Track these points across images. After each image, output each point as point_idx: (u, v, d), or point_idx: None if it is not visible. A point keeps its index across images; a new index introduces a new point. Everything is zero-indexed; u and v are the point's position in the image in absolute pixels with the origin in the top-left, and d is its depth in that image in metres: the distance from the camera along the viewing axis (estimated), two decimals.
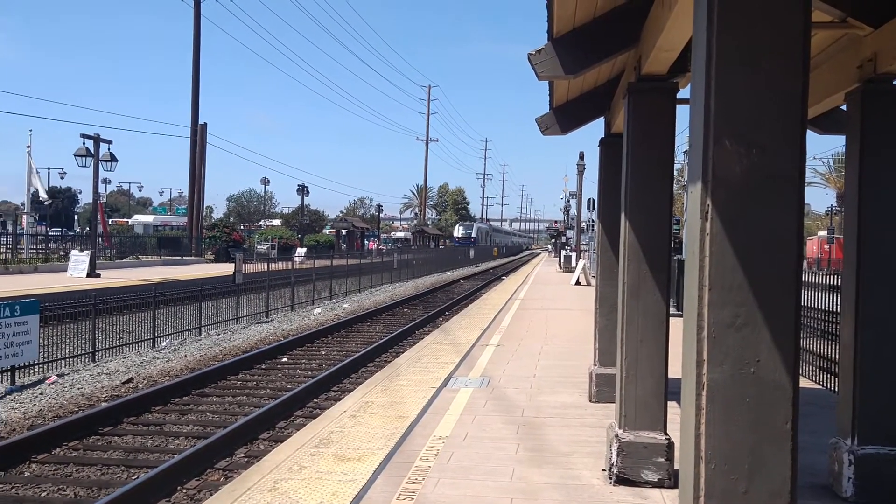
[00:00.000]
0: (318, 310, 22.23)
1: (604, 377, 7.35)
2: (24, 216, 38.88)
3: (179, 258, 39.15)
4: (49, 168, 60.66)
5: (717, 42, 2.46)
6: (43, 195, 36.26)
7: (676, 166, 22.22)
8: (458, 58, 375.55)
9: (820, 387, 8.62)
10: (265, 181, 65.23)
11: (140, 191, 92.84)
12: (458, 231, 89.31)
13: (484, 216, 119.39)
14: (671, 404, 5.04)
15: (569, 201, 53.48)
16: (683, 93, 5.19)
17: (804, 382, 8.64)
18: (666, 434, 4.94)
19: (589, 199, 38.13)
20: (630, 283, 4.99)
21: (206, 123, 43.19)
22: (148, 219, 68.75)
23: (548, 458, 5.66)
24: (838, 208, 47.83)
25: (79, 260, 25.39)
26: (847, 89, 4.83)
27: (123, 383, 11.10)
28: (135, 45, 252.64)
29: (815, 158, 49.71)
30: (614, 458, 4.93)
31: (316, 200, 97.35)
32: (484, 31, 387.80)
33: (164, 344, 14.66)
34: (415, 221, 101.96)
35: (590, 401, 7.59)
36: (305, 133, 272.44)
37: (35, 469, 7.09)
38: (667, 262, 5.04)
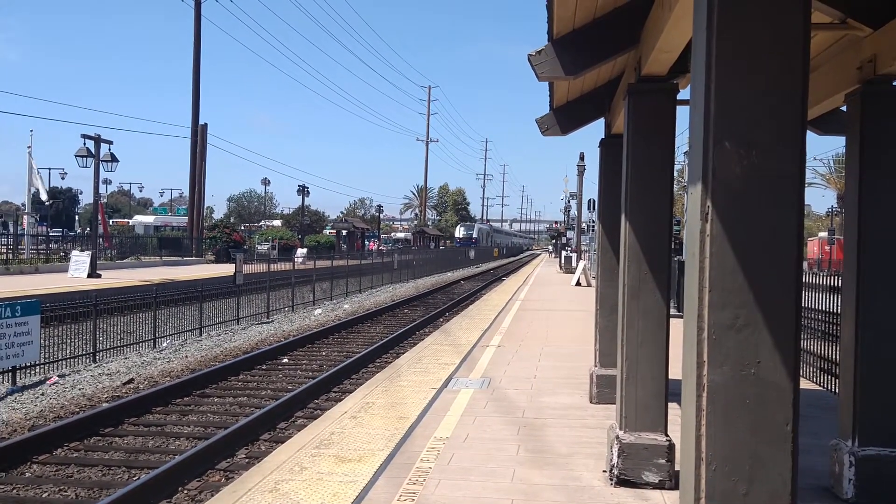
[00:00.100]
0: (318, 310, 22.24)
1: (604, 378, 7.35)
2: (25, 217, 38.94)
3: (180, 259, 39.16)
4: (50, 168, 60.61)
5: (717, 43, 2.46)
6: (44, 196, 36.25)
7: (676, 167, 22.22)
8: (458, 58, 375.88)
9: (820, 388, 8.61)
10: (265, 182, 65.43)
11: (141, 191, 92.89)
12: (460, 232, 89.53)
13: (484, 217, 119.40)
14: (672, 405, 5.04)
15: (569, 202, 53.51)
16: (683, 93, 5.20)
17: (805, 384, 8.64)
18: (667, 435, 4.94)
19: (589, 200, 38.16)
20: (630, 284, 4.99)
21: (206, 124, 43.22)
22: (148, 219, 68.79)
23: (548, 459, 5.67)
24: (839, 209, 47.82)
25: (79, 260, 25.40)
26: (847, 90, 4.83)
27: (124, 384, 11.10)
28: (135, 45, 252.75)
29: (815, 159, 49.79)
30: (615, 460, 4.93)
31: (316, 201, 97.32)
32: (483, 31, 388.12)
33: (164, 344, 14.67)
34: (415, 222, 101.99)
35: (590, 402, 7.58)
36: (306, 133, 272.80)
37: (36, 470, 7.09)
38: (667, 263, 5.04)
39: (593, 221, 33.24)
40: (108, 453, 7.61)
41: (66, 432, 7.93)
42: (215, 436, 7.72)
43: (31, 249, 34.01)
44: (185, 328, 16.13)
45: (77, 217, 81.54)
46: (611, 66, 6.05)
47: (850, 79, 4.79)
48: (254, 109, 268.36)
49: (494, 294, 25.90)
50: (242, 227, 63.97)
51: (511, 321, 15.61)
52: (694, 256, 2.55)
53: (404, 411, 7.14)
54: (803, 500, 4.30)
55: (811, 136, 6.33)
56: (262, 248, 44.53)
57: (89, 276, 24.56)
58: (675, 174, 8.01)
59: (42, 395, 10.18)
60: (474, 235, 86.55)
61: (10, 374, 10.46)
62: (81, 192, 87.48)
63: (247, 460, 7.33)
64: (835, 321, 7.94)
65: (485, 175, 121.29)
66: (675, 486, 4.71)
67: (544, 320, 15.95)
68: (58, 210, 70.89)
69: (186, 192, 49.88)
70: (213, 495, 5.41)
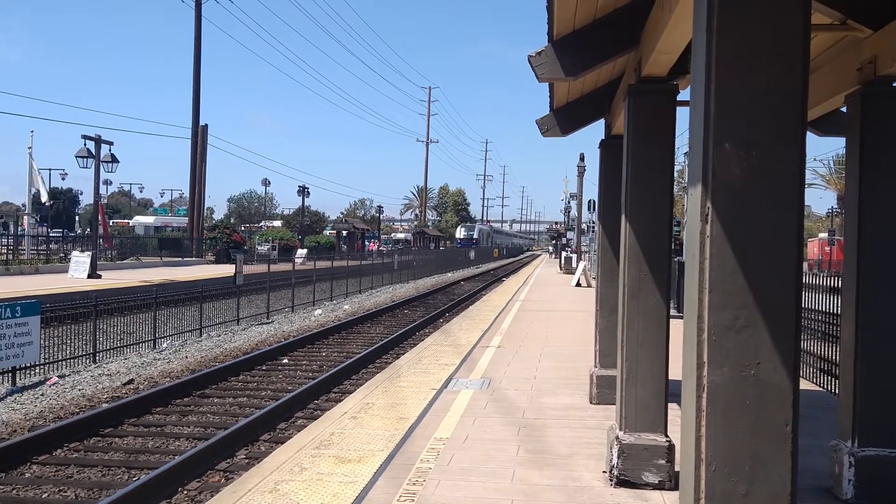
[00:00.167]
0: (318, 311, 22.24)
1: (604, 379, 7.35)
2: (25, 217, 38.94)
3: (180, 259, 39.16)
4: (50, 169, 60.61)
5: (716, 44, 2.46)
6: (45, 196, 36.26)
7: (676, 168, 22.22)
8: (458, 59, 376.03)
9: (820, 389, 8.61)
10: (266, 182, 65.41)
11: (141, 192, 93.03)
12: (461, 232, 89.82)
13: (484, 217, 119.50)
14: (672, 406, 5.04)
15: (569, 202, 53.51)
16: (683, 94, 5.20)
17: (804, 384, 8.64)
18: (666, 436, 4.94)
19: (589, 201, 38.16)
20: (630, 285, 4.99)
21: (206, 124, 43.25)
22: (149, 220, 68.84)
23: (548, 459, 5.67)
24: (839, 210, 47.83)
25: (80, 261, 25.40)
26: (847, 91, 4.84)
27: (124, 384, 11.10)
28: (135, 45, 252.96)
29: (815, 160, 49.78)
30: (615, 460, 4.93)
31: (316, 202, 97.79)
32: (483, 32, 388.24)
33: (164, 345, 14.66)
34: (415, 223, 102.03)
35: (590, 402, 7.58)
36: (306, 133, 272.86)
37: (36, 470, 7.09)
38: (667, 264, 5.04)
39: (593, 222, 33.24)
40: (108, 454, 7.61)
41: (65, 433, 7.93)
42: (215, 436, 7.72)
43: (32, 250, 34.02)
44: (185, 329, 16.13)
45: (77, 218, 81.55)
46: (611, 68, 6.05)
47: (851, 80, 4.79)
48: (254, 109, 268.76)
49: (494, 295, 25.89)
50: (243, 228, 64.01)
51: (511, 322, 15.61)
52: (694, 257, 2.55)
53: (404, 412, 7.14)
54: (803, 501, 4.30)
55: (811, 137, 6.33)
56: (263, 248, 44.51)
57: (89, 276, 24.56)
58: (675, 175, 8.01)
59: (42, 395, 10.17)
60: (475, 236, 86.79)
61: (9, 374, 10.46)
62: (82, 193, 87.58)
63: (247, 461, 7.33)
64: (835, 322, 7.94)
65: (485, 176, 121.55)
66: (675, 487, 4.71)
67: (544, 321, 15.95)
68: (58, 211, 70.92)
69: (186, 193, 49.92)
70: (212, 496, 5.41)
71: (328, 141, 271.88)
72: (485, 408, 7.39)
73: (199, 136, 42.47)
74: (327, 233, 67.71)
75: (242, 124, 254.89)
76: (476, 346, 11.84)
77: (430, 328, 18.10)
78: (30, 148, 33.55)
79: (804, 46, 2.46)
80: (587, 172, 42.20)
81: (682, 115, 4.48)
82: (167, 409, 9.52)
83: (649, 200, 4.97)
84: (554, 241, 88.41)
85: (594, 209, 32.49)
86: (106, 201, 50.79)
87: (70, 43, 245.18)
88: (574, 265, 35.06)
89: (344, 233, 59.31)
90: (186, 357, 13.65)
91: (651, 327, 4.97)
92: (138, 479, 6.57)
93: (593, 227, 33.27)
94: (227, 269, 27.83)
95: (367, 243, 64.83)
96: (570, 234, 50.92)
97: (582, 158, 39.14)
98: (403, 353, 12.79)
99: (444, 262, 50.64)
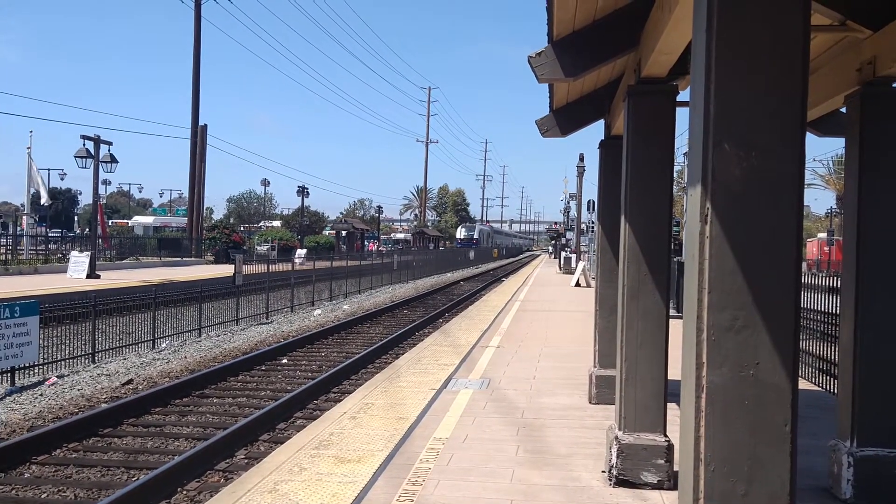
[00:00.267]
0: (318, 311, 22.24)
1: (604, 379, 7.35)
2: (24, 217, 38.90)
3: (179, 259, 39.15)
4: (49, 169, 60.60)
5: (716, 45, 2.46)
6: (45, 196, 36.21)
7: (676, 168, 22.23)
8: (458, 59, 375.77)
9: (819, 389, 8.62)
10: (265, 182, 65.29)
11: (140, 192, 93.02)
12: (461, 232, 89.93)
13: (484, 217, 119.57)
14: (671, 406, 5.05)
15: (569, 203, 53.47)
16: (683, 95, 5.20)
17: (803, 384, 8.65)
18: (665, 436, 4.94)
19: (589, 201, 38.15)
20: (630, 285, 5.00)
21: (206, 125, 43.25)
22: (148, 220, 68.77)
23: (548, 459, 5.67)
24: (838, 210, 47.86)
25: (78, 261, 25.39)
26: (846, 92, 4.84)
27: (123, 384, 11.10)
28: (135, 46, 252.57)
29: (814, 160, 49.86)
30: (614, 460, 4.94)
31: (316, 202, 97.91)
32: (483, 32, 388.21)
33: (163, 345, 14.66)
34: (415, 223, 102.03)
35: (589, 402, 7.59)
36: (305, 134, 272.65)
37: (35, 470, 7.09)
38: (666, 264, 5.05)
39: (593, 222, 33.25)
40: (107, 454, 7.60)
41: (64, 433, 7.93)
42: (214, 436, 7.72)
43: (31, 250, 33.99)
44: (185, 329, 16.12)
45: (76, 218, 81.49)
46: (610, 68, 6.06)
47: (850, 80, 4.80)
48: (253, 110, 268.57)
49: (494, 295, 25.90)
50: (242, 228, 64.00)
51: (510, 322, 15.61)
52: (693, 258, 2.55)
53: (404, 412, 7.14)
54: (802, 501, 4.30)
55: (811, 137, 6.34)
56: (262, 248, 44.50)
57: (88, 276, 24.55)
58: (675, 175, 8.01)
59: (41, 395, 10.17)
60: (475, 236, 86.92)
61: (8, 374, 10.45)
62: (81, 193, 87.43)
63: (246, 461, 7.33)
64: (834, 322, 7.95)
65: (484, 176, 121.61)
66: (674, 487, 4.71)
67: (544, 321, 15.96)
68: (57, 211, 70.86)
69: (186, 193, 49.90)
70: (212, 496, 5.41)
71: (328, 141, 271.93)
72: (484, 408, 7.39)
73: (199, 137, 42.47)
74: (326, 233, 67.70)
75: (242, 124, 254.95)
76: (475, 346, 11.84)
77: (429, 328, 18.10)
78: (29, 148, 33.52)
79: (804, 47, 2.46)
80: (587, 173, 42.30)
81: (682, 116, 4.49)
82: (166, 410, 9.51)
83: (649, 201, 4.97)
84: (553, 242, 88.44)
85: (594, 209, 32.50)
86: (105, 201, 50.77)
87: (70, 43, 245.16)
88: (573, 265, 35.07)
89: (343, 233, 59.32)
90: (185, 357, 13.65)
91: (650, 327, 4.97)
92: (137, 479, 6.57)
93: (593, 228, 33.29)
94: (226, 270, 27.84)
95: (366, 243, 64.83)
96: (569, 235, 50.93)
97: (581, 159, 39.21)
98: (403, 354, 12.80)
99: (443, 262, 50.64)
